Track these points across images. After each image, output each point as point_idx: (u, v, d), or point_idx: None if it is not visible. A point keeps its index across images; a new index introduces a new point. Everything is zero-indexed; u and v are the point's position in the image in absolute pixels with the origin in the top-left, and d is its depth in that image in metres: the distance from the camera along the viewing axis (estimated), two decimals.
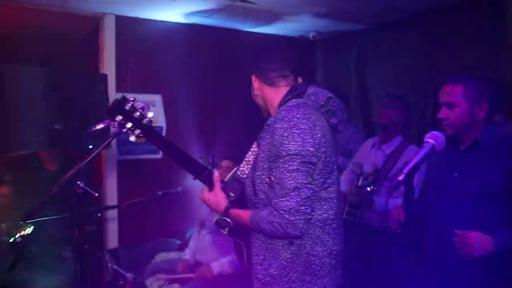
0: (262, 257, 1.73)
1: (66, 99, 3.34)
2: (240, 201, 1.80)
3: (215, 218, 1.94)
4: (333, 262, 1.74)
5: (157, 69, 4.29)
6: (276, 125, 1.65)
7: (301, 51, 5.07)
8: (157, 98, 4.29)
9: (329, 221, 1.72)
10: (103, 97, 3.52)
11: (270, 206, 1.63)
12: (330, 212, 1.72)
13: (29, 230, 3.23)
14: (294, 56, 5.11)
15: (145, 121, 1.70)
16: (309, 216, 1.61)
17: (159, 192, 3.05)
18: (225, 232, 1.87)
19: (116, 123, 1.69)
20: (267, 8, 3.90)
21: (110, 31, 4.09)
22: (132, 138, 1.73)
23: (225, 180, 1.91)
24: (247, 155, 1.88)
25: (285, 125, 1.63)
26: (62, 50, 5.42)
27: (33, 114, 3.15)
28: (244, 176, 1.84)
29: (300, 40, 5.00)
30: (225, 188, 1.85)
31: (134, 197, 3.14)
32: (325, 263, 1.70)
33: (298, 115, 1.65)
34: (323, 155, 1.66)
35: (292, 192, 1.57)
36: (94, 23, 4.19)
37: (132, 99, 1.70)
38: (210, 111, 4.52)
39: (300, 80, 1.90)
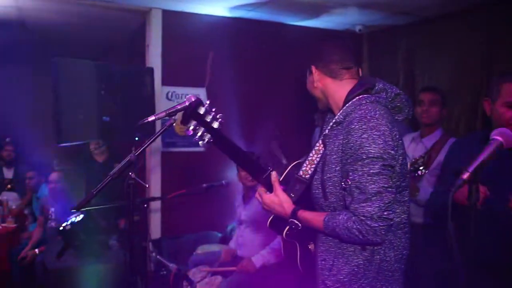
0: (330, 263, 1.64)
1: (114, 92, 3.40)
2: (300, 203, 1.71)
3: (269, 219, 1.86)
4: (402, 267, 1.67)
5: (202, 62, 4.31)
6: (353, 126, 1.53)
7: None
8: (201, 92, 4.32)
9: (402, 225, 1.65)
10: (149, 90, 3.58)
11: (348, 211, 1.53)
12: (403, 216, 1.65)
13: (78, 218, 3.34)
14: None
15: (215, 124, 1.65)
16: (391, 222, 1.51)
17: (204, 185, 3.07)
18: (283, 235, 1.77)
19: (190, 131, 1.65)
20: (313, 0, 3.84)
21: (157, 25, 4.15)
22: (201, 143, 1.68)
23: (281, 179, 1.81)
24: (311, 155, 1.73)
25: (364, 126, 1.51)
26: (111, 45, 5.57)
27: (83, 106, 3.23)
28: (307, 176, 1.72)
29: (345, 33, 4.90)
30: (285, 189, 1.76)
31: (178, 189, 3.17)
32: (396, 268, 1.64)
33: (376, 115, 1.53)
34: (400, 157, 1.57)
35: (373, 197, 1.47)
36: (142, 17, 4.27)
37: (207, 102, 1.65)
38: (255, 105, 4.51)
39: (360, 72, 1.76)
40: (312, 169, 1.71)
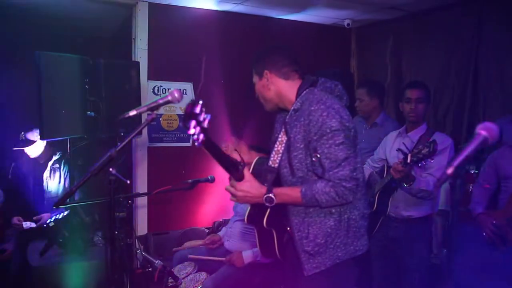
0: (306, 231, 1.88)
1: (99, 87, 3.34)
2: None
3: (246, 212, 2.00)
4: (365, 224, 1.96)
5: (188, 56, 4.26)
6: (312, 107, 1.82)
7: (335, 39, 4.95)
8: (188, 86, 4.27)
9: (360, 188, 1.89)
10: (135, 85, 3.52)
11: (322, 179, 1.80)
12: (360, 180, 1.90)
13: (62, 214, 3.28)
14: (327, 44, 5.01)
15: (205, 124, 1.57)
16: (359, 181, 1.83)
17: (189, 180, 3.03)
18: (264, 223, 1.94)
19: (191, 129, 1.52)
20: None
21: (143, 18, 4.08)
22: (197, 144, 1.58)
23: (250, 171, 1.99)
24: (276, 146, 1.99)
25: (322, 107, 1.81)
26: (96, 38, 5.47)
27: (67, 101, 3.17)
28: (276, 165, 1.94)
29: (334, 28, 4.88)
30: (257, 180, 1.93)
31: (164, 185, 3.13)
32: (361, 225, 1.93)
33: (329, 98, 1.87)
34: (352, 128, 1.87)
35: (343, 162, 1.76)
36: (128, 10, 4.19)
37: (200, 102, 1.54)
38: (241, 99, 4.47)
39: None
40: (279, 158, 1.94)
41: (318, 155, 1.80)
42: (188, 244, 3.73)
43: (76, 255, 3.34)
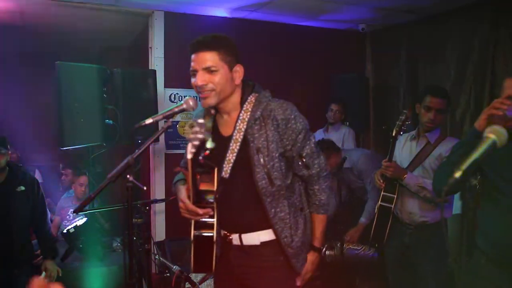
0: (290, 235, 1.91)
1: (117, 95, 3.42)
2: (221, 199, 1.85)
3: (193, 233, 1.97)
4: None
5: None
6: (290, 117, 1.84)
7: (350, 43, 4.94)
8: None
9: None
10: (152, 93, 3.58)
11: (313, 183, 1.97)
12: None
13: (82, 221, 3.35)
14: (342, 49, 4.98)
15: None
16: None
17: None
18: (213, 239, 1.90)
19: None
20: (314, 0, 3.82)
21: (159, 27, 4.16)
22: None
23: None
24: (227, 155, 1.85)
25: (295, 113, 1.87)
26: (114, 47, 5.58)
27: (86, 109, 3.24)
28: (227, 176, 1.85)
29: (348, 32, 4.88)
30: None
31: None
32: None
33: (289, 103, 1.91)
34: None
35: (320, 154, 1.97)
36: (144, 20, 4.28)
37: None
38: None
39: None
40: (230, 167, 1.84)
41: (304, 159, 1.91)
42: None
43: (95, 260, 3.40)
